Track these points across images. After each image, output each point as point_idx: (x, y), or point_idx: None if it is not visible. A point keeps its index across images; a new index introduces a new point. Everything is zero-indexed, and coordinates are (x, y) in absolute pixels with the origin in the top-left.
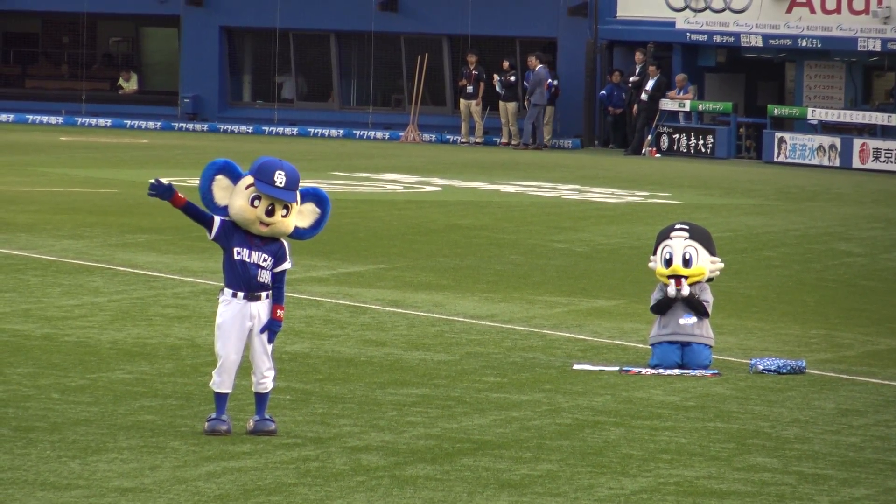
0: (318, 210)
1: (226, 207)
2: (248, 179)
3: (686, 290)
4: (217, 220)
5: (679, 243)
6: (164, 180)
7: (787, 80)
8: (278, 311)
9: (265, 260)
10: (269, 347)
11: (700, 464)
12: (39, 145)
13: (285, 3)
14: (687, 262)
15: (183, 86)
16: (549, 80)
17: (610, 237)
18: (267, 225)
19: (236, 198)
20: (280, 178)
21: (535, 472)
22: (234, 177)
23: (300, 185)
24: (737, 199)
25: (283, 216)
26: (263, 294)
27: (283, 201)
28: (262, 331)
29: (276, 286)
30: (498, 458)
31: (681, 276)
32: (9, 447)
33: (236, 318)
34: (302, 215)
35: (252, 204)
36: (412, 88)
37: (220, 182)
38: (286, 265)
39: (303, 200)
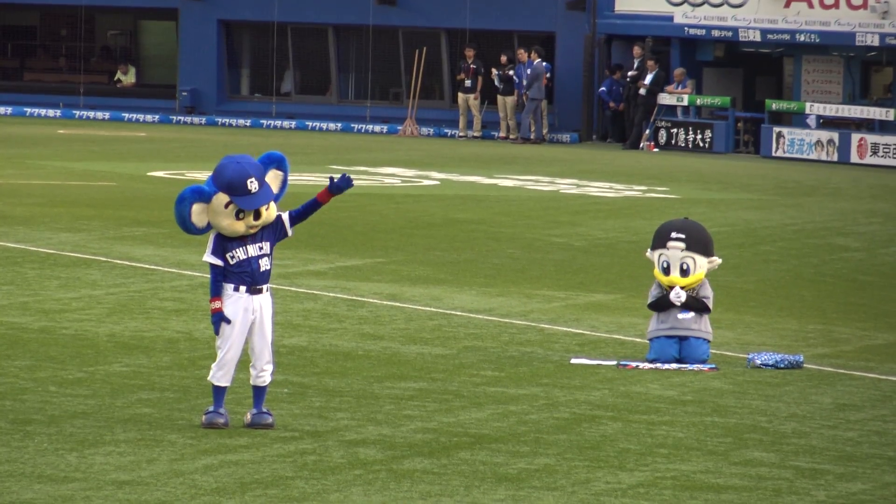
0: (279, 171)
1: (206, 226)
2: (222, 197)
3: (683, 297)
4: (213, 258)
5: (676, 254)
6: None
7: (786, 75)
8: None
9: (261, 248)
10: (270, 340)
11: (697, 458)
12: (37, 138)
13: None
14: (684, 273)
15: (181, 79)
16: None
17: (608, 231)
18: (257, 226)
19: (220, 218)
20: (253, 185)
21: (533, 465)
22: (206, 198)
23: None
24: (735, 194)
25: (266, 209)
26: (264, 287)
27: (267, 204)
28: (338, 186)
29: (309, 207)
30: (495, 451)
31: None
32: (6, 440)
33: (238, 312)
34: (271, 184)
35: (238, 218)
36: (410, 82)
37: (196, 209)
38: (289, 229)
39: (267, 169)
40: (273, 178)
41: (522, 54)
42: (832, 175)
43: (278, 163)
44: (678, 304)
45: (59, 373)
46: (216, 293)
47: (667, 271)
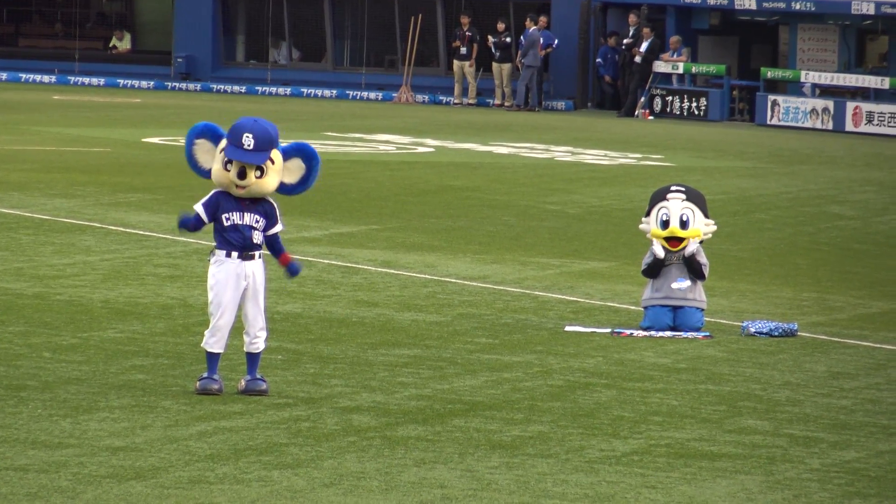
0: (304, 165)
1: (208, 171)
2: (224, 143)
3: (693, 247)
4: (200, 209)
5: (676, 205)
6: (181, 216)
7: (781, 43)
8: (289, 256)
9: (257, 221)
10: (263, 307)
11: (691, 426)
12: (32, 104)
13: None
14: (684, 224)
15: (176, 45)
16: (556, 42)
17: (602, 199)
18: (242, 187)
19: (214, 162)
20: (248, 141)
21: (527, 433)
22: (216, 139)
23: (280, 142)
24: (729, 162)
25: (257, 177)
26: (256, 254)
27: (252, 164)
28: (292, 274)
29: (276, 246)
30: (489, 419)
31: (677, 238)
32: (0, 406)
33: (231, 279)
34: (289, 171)
35: (225, 168)
36: (405, 49)
37: (203, 146)
38: (278, 227)
39: (288, 157)
40: (296, 167)
41: (543, 21)
42: (827, 143)
43: (306, 156)
44: (684, 256)
45: (53, 339)
46: (184, 225)
47: (665, 225)
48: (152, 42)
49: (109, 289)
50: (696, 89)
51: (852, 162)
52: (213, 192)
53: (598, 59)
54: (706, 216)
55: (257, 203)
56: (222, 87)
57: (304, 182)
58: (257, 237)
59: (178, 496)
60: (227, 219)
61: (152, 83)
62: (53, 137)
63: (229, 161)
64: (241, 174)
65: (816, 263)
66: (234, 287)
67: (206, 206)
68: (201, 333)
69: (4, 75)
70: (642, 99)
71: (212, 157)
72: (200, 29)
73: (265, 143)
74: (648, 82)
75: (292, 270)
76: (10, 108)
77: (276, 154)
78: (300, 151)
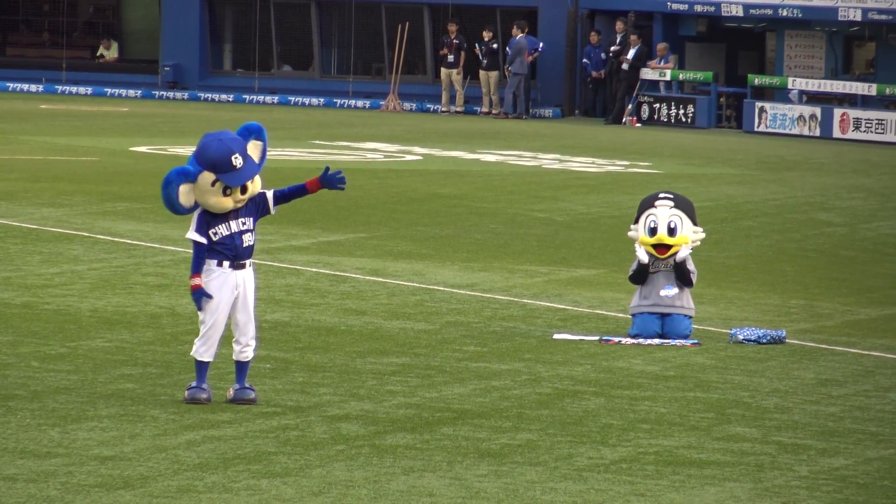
0: (259, 141)
1: (194, 205)
2: (208, 176)
3: (684, 253)
4: (197, 236)
5: (664, 212)
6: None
7: (768, 50)
8: (314, 181)
9: (244, 223)
10: (254, 315)
11: (680, 433)
12: (19, 113)
13: None
14: (672, 231)
15: (163, 54)
16: (541, 46)
17: (590, 206)
18: (244, 199)
19: (207, 197)
20: (237, 161)
21: (515, 441)
22: (192, 178)
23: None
24: (717, 169)
25: (251, 182)
26: (247, 262)
27: (253, 178)
28: (329, 179)
29: (291, 194)
30: (478, 427)
31: (665, 245)
32: None
33: (223, 288)
34: (253, 152)
35: (225, 194)
36: (393, 57)
37: (182, 190)
38: (272, 208)
39: (247, 141)
40: (253, 148)
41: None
42: (814, 150)
43: (257, 133)
44: (674, 262)
45: (41, 348)
46: (197, 270)
47: (653, 232)
48: (139, 51)
49: (98, 298)
50: (684, 96)
51: (840, 168)
52: (196, 214)
53: (585, 60)
54: (695, 223)
55: (244, 204)
56: (210, 95)
57: (264, 156)
58: (248, 239)
59: None
60: (216, 234)
61: (140, 92)
62: (41, 146)
63: (228, 186)
64: (243, 189)
65: (804, 270)
66: (227, 297)
67: (199, 230)
68: (190, 342)
69: None
70: (630, 106)
71: (191, 196)
72: (187, 38)
73: (245, 151)
74: (636, 89)
75: (330, 181)
76: None
77: (251, 148)
78: (249, 132)
